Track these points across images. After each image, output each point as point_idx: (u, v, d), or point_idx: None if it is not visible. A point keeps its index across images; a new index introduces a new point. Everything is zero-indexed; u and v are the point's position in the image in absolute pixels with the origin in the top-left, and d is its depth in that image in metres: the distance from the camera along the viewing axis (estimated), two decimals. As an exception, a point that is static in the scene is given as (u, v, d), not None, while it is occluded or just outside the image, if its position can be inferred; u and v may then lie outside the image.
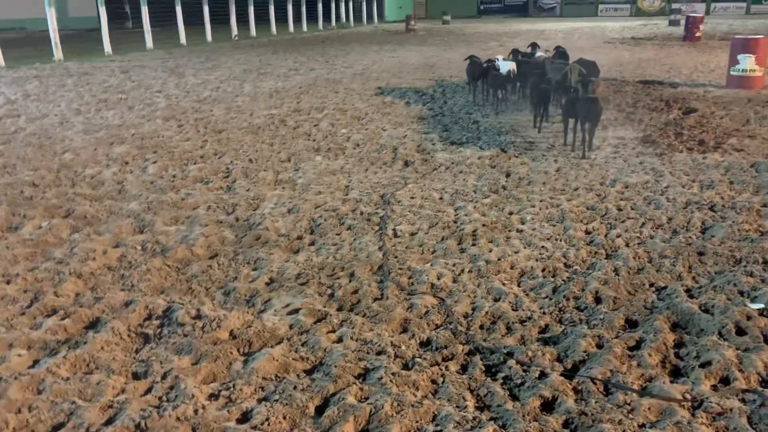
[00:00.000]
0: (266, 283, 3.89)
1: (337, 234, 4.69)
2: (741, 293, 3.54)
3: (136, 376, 2.91)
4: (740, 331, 3.13)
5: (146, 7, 22.29)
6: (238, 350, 3.10)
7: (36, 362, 3.02)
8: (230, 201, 5.48)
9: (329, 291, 3.75)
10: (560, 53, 11.13)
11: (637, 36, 24.70)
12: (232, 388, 2.77)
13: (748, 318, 3.23)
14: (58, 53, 18.26)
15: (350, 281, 3.86)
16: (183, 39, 24.59)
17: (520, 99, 10.02)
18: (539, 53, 11.14)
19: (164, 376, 2.87)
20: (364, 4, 44.44)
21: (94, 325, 3.37)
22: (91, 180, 6.16)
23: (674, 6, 41.20)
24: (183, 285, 3.90)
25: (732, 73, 10.89)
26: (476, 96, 10.48)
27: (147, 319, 3.43)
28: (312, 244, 4.52)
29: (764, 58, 10.76)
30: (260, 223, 4.87)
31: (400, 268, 4.04)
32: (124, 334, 3.25)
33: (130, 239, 4.62)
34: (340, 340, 3.17)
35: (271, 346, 3.10)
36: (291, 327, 3.29)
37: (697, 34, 21.11)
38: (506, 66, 9.61)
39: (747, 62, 10.69)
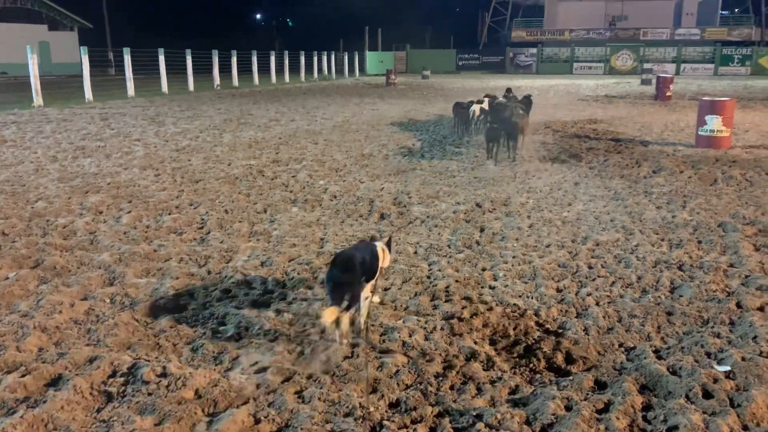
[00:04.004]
0: (235, 339, 3.84)
1: (310, 288, 4.66)
2: (708, 355, 3.57)
3: (95, 438, 2.83)
4: (707, 394, 3.15)
5: (129, 56, 22.51)
6: (203, 410, 3.03)
7: (-8, 422, 2.92)
8: (203, 253, 5.44)
9: (299, 348, 3.71)
10: (511, 97, 14.16)
11: (610, 94, 25.44)
12: (194, 451, 2.70)
13: (715, 381, 3.25)
14: (38, 99, 18.30)
15: (321, 338, 3.82)
16: (165, 87, 24.82)
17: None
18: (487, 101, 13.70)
19: (125, 438, 2.79)
20: (346, 57, 45.39)
21: (55, 382, 3.28)
22: (62, 229, 6.10)
23: (646, 66, 42.72)
24: (150, 340, 3.84)
25: (700, 133, 11.23)
26: (455, 128, 13.46)
27: (111, 377, 3.34)
28: (284, 298, 4.49)
29: (730, 119, 11.13)
30: (232, 276, 4.84)
31: (372, 325, 4.02)
32: (86, 393, 3.16)
33: (99, 291, 4.55)
34: (307, 400, 3.12)
35: (237, 407, 3.04)
36: (258, 386, 3.24)
37: (668, 94, 21.83)
38: (472, 107, 12.76)
39: (714, 123, 11.04)
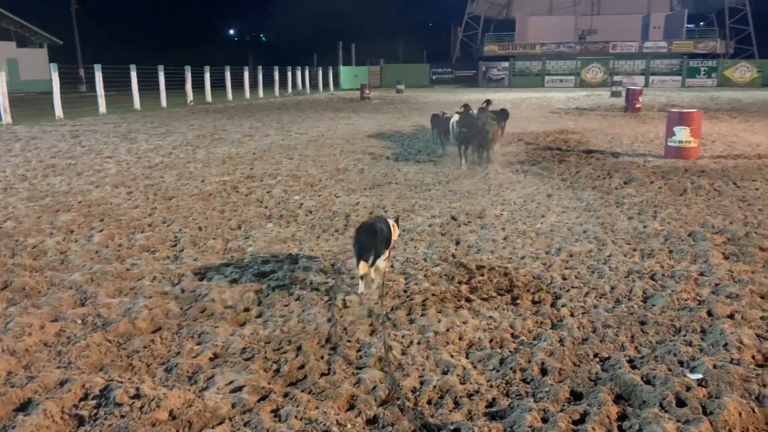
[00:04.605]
0: (210, 358, 3.79)
1: (285, 305, 4.63)
2: (681, 363, 3.62)
3: (66, 463, 2.77)
4: (680, 403, 3.18)
5: (100, 73, 22.30)
6: (178, 432, 2.99)
7: (-42, 450, 2.84)
8: (176, 271, 5.38)
9: (275, 366, 3.67)
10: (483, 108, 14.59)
11: (581, 106, 25.82)
12: (168, 474, 2.65)
13: (688, 389, 3.29)
14: (6, 117, 18.02)
15: (297, 355, 3.79)
16: (137, 104, 24.61)
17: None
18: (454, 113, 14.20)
19: (97, 462, 2.73)
20: (320, 72, 45.49)
21: (25, 407, 3.20)
22: (32, 250, 5.98)
23: (615, 78, 43.50)
24: (123, 361, 3.77)
25: (669, 143, 11.44)
26: (433, 138, 13.82)
27: (83, 399, 3.28)
28: (259, 316, 4.45)
29: (698, 130, 11.37)
30: (206, 295, 4.79)
31: (349, 341, 4.01)
32: (56, 417, 3.09)
33: (71, 312, 4.47)
34: (284, 419, 3.09)
35: (212, 427, 3.00)
36: (233, 406, 3.20)
37: (638, 106, 22.22)
38: (452, 119, 12.57)
39: (682, 134, 11.26)
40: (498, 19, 60.86)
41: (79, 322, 4.32)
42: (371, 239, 4.59)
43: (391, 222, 4.94)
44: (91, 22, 57.92)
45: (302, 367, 3.65)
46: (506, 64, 51.08)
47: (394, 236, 4.93)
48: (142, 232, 6.66)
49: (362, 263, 4.54)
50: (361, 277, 4.74)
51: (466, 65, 53.70)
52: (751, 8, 51.73)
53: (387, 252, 4.81)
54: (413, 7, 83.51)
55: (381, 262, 4.72)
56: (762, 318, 4.24)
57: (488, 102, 15.96)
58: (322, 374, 3.57)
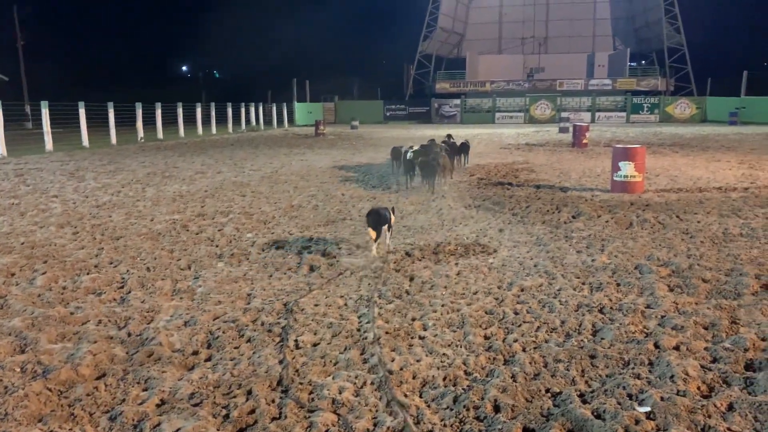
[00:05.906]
0: (157, 404, 3.66)
1: (236, 347, 4.53)
2: (630, 396, 3.67)
3: None
4: (630, 436, 3.23)
5: (46, 110, 21.83)
6: (120, 485, 2.86)
7: None
8: (123, 314, 5.22)
9: (224, 412, 3.57)
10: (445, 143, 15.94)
11: (530, 142, 26.47)
12: None
13: (637, 422, 3.34)
14: (-55, 155, 17.39)
15: (247, 400, 3.70)
16: (86, 141, 24.12)
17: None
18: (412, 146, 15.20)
19: None
20: (275, 108, 45.54)
21: (-45, 464, 3.03)
22: (-31, 294, 5.73)
23: (563, 114, 44.85)
24: (64, 411, 3.61)
25: (615, 178, 11.81)
26: (393, 169, 14.84)
27: (19, 454, 3.12)
28: (208, 359, 4.34)
29: (642, 164, 11.78)
30: (154, 338, 4.65)
31: (301, 383, 3.94)
32: (-11, 473, 2.93)
33: (9, 360, 4.27)
34: (233, 467, 2.99)
35: (157, 479, 2.89)
36: (180, 455, 3.09)
37: (584, 141, 22.88)
38: (410, 151, 13.37)
39: (628, 169, 11.65)
40: (449, 58, 62.38)
41: (18, 370, 4.13)
42: (377, 217, 7.03)
43: (389, 209, 7.39)
44: (39, 58, 56.83)
45: (253, 411, 3.56)
46: (458, 101, 52.12)
47: (392, 220, 7.39)
48: (87, 273, 6.46)
49: (371, 230, 7.04)
50: (374, 241, 7.10)
51: (419, 102, 54.53)
52: (688, 48, 54.36)
53: (389, 230, 7.36)
54: (367, 45, 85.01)
55: (385, 235, 7.29)
56: (706, 349, 4.36)
57: (449, 136, 17.31)
58: (273, 419, 3.49)
